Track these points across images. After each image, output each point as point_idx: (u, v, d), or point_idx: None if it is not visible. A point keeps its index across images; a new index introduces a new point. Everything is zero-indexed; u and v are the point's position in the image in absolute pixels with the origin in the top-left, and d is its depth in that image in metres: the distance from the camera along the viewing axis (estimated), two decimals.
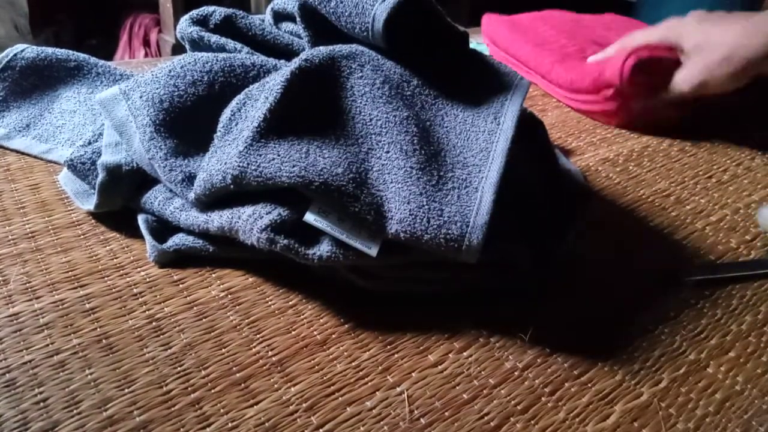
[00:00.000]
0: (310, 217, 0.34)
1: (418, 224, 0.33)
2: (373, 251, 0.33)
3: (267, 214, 0.34)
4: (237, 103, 0.40)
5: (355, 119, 0.38)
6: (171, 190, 0.40)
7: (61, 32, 1.71)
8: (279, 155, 0.34)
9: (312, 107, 0.38)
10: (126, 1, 1.78)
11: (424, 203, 0.33)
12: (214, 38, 0.52)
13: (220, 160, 0.36)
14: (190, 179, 0.38)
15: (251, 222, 0.34)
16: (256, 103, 0.39)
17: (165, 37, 1.67)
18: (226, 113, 0.40)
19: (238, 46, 0.51)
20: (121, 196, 0.41)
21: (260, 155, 0.35)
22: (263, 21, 0.55)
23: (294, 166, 0.33)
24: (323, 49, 0.40)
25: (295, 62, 0.39)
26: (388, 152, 0.36)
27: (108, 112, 0.40)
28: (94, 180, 0.40)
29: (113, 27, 1.77)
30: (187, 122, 0.40)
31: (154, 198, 0.40)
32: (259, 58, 0.44)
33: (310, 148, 0.35)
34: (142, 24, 1.73)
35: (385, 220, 0.33)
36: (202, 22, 0.54)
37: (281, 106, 0.37)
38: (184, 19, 0.54)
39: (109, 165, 0.40)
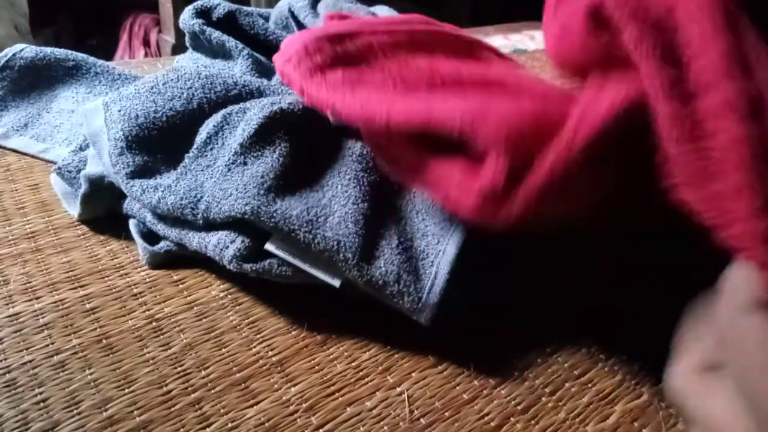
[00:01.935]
0: (271, 246, 0.34)
1: (373, 282, 0.33)
2: (336, 283, 0.34)
3: (231, 243, 0.34)
4: (215, 126, 0.39)
5: (325, 166, 0.37)
6: None
7: (61, 32, 1.71)
8: (237, 190, 0.34)
9: (288, 145, 0.38)
10: (126, 1, 1.78)
11: (381, 265, 0.33)
12: (216, 34, 0.52)
13: (190, 188, 0.36)
14: (154, 190, 0.37)
15: (218, 252, 0.34)
16: (234, 131, 0.39)
17: (165, 37, 1.66)
18: (202, 134, 0.39)
19: (239, 45, 0.51)
20: (104, 206, 0.41)
21: (222, 189, 0.35)
22: (266, 20, 0.55)
23: (247, 204, 0.33)
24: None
25: (281, 102, 0.39)
26: (347, 204, 0.35)
27: (87, 121, 0.40)
28: (80, 189, 0.40)
29: (113, 27, 1.76)
30: (162, 139, 0.39)
31: (133, 205, 0.39)
32: (243, 78, 0.44)
33: (272, 186, 0.35)
34: (142, 24, 1.73)
35: (342, 263, 0.33)
36: (205, 13, 0.54)
37: (254, 140, 0.37)
38: (188, 10, 0.54)
39: (91, 177, 0.39)
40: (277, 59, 0.39)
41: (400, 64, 0.37)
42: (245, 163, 0.36)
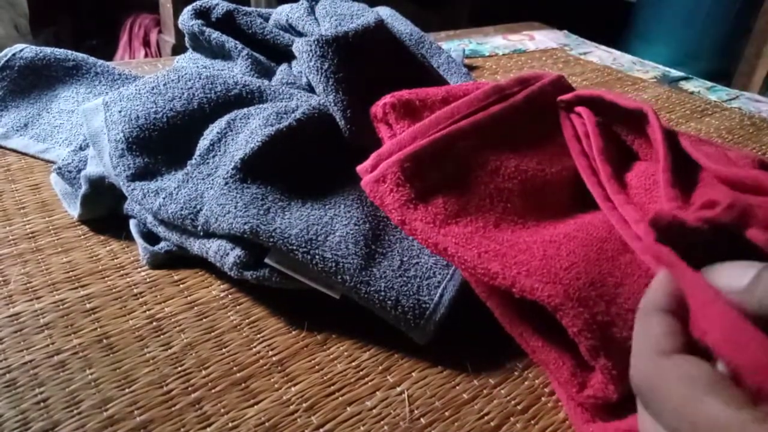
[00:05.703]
0: (270, 261, 0.34)
1: (371, 303, 0.33)
2: (336, 295, 0.34)
3: (231, 250, 0.34)
4: (218, 132, 0.39)
5: (329, 182, 0.37)
6: None
7: (61, 32, 1.71)
8: (236, 208, 0.34)
9: (291, 162, 0.38)
10: (126, 1, 1.78)
11: (381, 288, 0.33)
12: (215, 35, 0.52)
13: (191, 197, 0.36)
14: (155, 195, 0.37)
15: (218, 259, 0.34)
16: (237, 137, 0.38)
17: (165, 38, 1.67)
18: (205, 141, 0.39)
19: (239, 45, 0.51)
20: (105, 207, 0.41)
21: (220, 205, 0.34)
22: (266, 20, 0.55)
23: (246, 224, 0.33)
24: (323, 107, 0.40)
25: (285, 114, 0.38)
26: (349, 225, 0.35)
27: (87, 121, 0.40)
28: (80, 189, 0.40)
29: (113, 27, 1.77)
30: (163, 139, 0.39)
31: (134, 206, 0.39)
32: (243, 78, 0.43)
33: (272, 206, 0.35)
34: (142, 24, 1.73)
35: (339, 284, 0.33)
36: (204, 14, 0.54)
37: (256, 157, 0.36)
38: (187, 11, 0.54)
39: (92, 177, 0.39)
40: (364, 173, 0.35)
41: (493, 177, 0.35)
42: (245, 181, 0.36)
